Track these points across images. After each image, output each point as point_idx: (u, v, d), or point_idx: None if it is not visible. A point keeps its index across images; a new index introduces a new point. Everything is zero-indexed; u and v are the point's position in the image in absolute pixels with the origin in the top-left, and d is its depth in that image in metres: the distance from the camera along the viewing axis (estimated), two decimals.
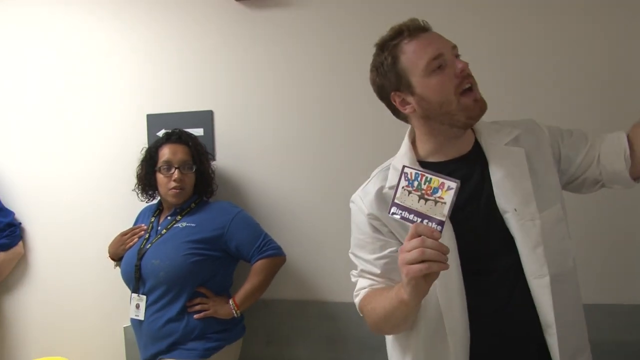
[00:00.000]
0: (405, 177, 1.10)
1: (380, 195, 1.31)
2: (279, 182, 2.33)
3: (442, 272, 1.04)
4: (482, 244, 1.23)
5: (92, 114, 2.56)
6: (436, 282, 1.09)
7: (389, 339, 1.40)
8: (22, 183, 2.68)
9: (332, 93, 2.26)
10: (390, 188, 1.29)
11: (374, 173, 1.40)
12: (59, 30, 2.59)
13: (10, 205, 2.68)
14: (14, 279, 2.70)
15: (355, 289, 1.36)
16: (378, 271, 1.29)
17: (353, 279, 1.38)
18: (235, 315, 2.05)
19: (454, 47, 1.26)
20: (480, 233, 1.24)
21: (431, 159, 1.31)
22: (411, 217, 1.08)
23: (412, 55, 1.24)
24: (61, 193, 2.62)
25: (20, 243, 2.67)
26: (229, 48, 2.36)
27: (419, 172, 1.08)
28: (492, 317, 1.21)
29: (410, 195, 1.08)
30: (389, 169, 1.35)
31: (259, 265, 2.06)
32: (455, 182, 1.04)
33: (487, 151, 1.29)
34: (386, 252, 1.27)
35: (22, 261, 2.69)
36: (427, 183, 1.07)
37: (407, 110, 1.29)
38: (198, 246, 2.01)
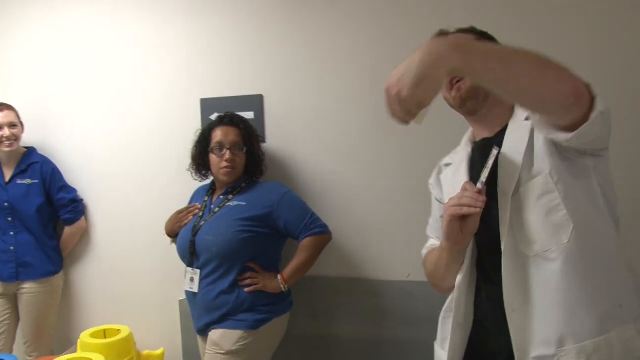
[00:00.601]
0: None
1: (439, 167, 1.57)
2: (326, 163, 2.41)
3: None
4: (484, 220, 1.28)
5: (150, 98, 2.70)
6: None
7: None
8: (85, 163, 2.86)
9: (377, 79, 2.30)
10: (445, 164, 1.54)
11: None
12: (123, 22, 2.73)
13: (73, 183, 2.87)
14: (78, 251, 2.91)
15: (424, 247, 1.60)
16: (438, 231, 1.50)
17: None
18: (283, 289, 2.15)
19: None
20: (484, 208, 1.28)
21: (476, 139, 1.45)
22: None
23: None
24: (120, 172, 2.79)
25: (83, 218, 2.86)
26: (277, 35, 2.45)
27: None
28: (485, 290, 1.36)
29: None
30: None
31: (306, 242, 2.16)
32: (495, 149, 1.26)
33: (508, 130, 1.33)
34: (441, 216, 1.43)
35: (85, 235, 2.89)
36: None
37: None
38: (248, 223, 2.12)
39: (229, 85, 2.54)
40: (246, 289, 2.11)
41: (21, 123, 2.78)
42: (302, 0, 2.39)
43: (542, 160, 1.23)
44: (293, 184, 2.44)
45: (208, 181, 2.40)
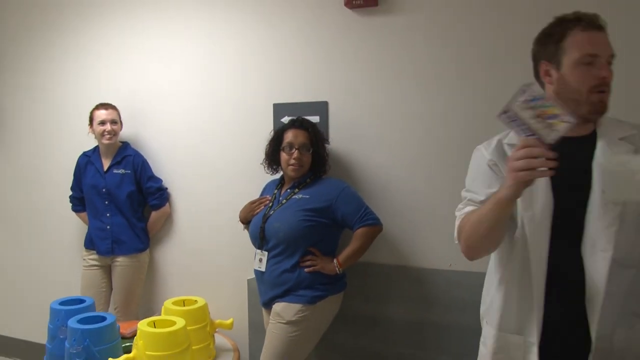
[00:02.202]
0: (525, 92, 1.21)
1: (499, 146, 1.58)
2: (381, 163, 2.68)
3: (531, 222, 1.45)
4: (566, 210, 1.44)
5: (228, 101, 3.05)
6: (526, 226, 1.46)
7: (489, 272, 1.70)
8: (170, 157, 3.26)
9: (428, 87, 2.56)
10: (509, 144, 1.55)
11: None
12: (207, 33, 3.10)
13: (159, 173, 3.28)
14: (162, 233, 3.31)
15: (459, 211, 1.62)
16: (483, 197, 1.53)
17: (458, 213, 1.63)
18: (337, 272, 2.44)
19: (612, 55, 1.46)
20: (568, 200, 1.43)
21: None
22: (520, 127, 1.24)
23: (575, 42, 1.44)
24: (201, 166, 3.17)
25: (167, 204, 3.26)
26: (341, 48, 2.73)
27: (543, 95, 1.22)
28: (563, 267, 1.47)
29: (527, 111, 1.21)
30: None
31: (359, 232, 2.44)
32: (573, 118, 1.19)
33: (600, 139, 1.45)
34: (494, 189, 1.48)
35: (168, 219, 3.29)
36: (547, 107, 1.20)
37: (546, 80, 1.53)
38: (310, 214, 2.43)
39: (298, 92, 2.85)
40: (306, 269, 2.41)
41: (121, 121, 3.20)
42: (362, 19, 2.67)
43: None
44: (352, 180, 2.72)
45: (277, 176, 2.71)
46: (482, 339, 1.73)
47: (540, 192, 1.46)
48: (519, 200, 1.43)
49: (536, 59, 1.57)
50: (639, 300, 1.44)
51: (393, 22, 2.61)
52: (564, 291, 1.48)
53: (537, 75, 1.58)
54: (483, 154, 1.61)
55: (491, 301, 1.65)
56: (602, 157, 1.42)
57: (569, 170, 1.38)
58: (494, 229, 1.44)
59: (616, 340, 1.43)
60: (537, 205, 1.47)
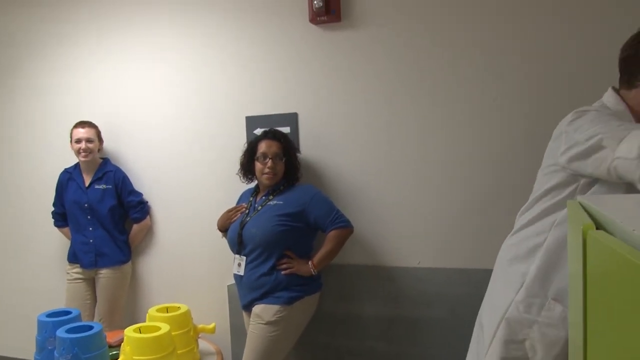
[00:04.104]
0: None
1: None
2: (350, 169, 2.84)
3: None
4: None
5: (203, 115, 3.18)
6: None
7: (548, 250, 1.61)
8: (149, 171, 3.38)
9: (389, 97, 2.73)
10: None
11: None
12: (180, 49, 3.23)
13: (139, 187, 3.39)
14: (144, 244, 3.43)
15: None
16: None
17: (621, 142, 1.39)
18: (313, 273, 2.58)
19: None
20: None
21: None
22: None
23: None
24: (178, 178, 3.29)
25: (148, 217, 3.37)
26: (308, 62, 2.89)
27: None
28: None
29: None
30: None
31: (331, 234, 2.59)
32: None
33: None
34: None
35: (149, 231, 3.40)
36: None
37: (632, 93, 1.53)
38: (284, 219, 2.57)
39: (269, 104, 3.00)
40: (283, 272, 2.55)
41: (99, 138, 3.31)
42: (325, 34, 2.83)
43: None
44: (323, 186, 2.88)
45: (252, 185, 2.86)
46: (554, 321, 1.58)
47: None
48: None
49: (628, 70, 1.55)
50: None
51: (356, 36, 2.78)
52: None
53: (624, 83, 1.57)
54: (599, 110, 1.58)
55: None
56: None
57: None
58: None
59: None
60: None
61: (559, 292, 1.57)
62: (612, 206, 0.75)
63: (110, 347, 2.66)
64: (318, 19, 2.77)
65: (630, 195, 1.08)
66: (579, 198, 0.91)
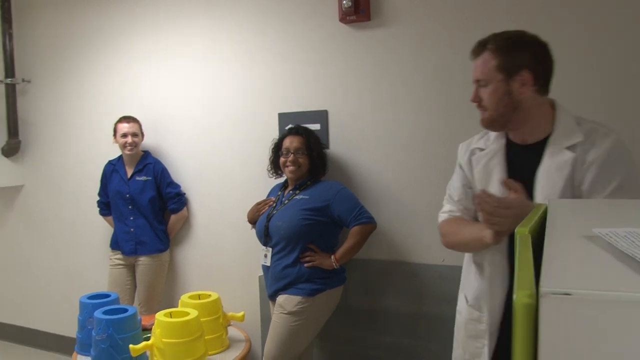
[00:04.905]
0: None
1: (470, 148, 1.80)
2: (377, 165, 2.89)
3: None
4: None
5: (239, 111, 3.31)
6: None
7: (466, 261, 1.88)
8: (187, 164, 3.53)
9: (417, 94, 2.76)
10: (479, 149, 1.76)
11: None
12: (219, 50, 3.36)
13: (177, 179, 3.55)
14: (181, 234, 3.59)
15: (441, 211, 1.87)
16: (456, 198, 1.79)
17: (440, 212, 1.89)
18: (335, 267, 2.65)
19: (477, 80, 1.67)
20: None
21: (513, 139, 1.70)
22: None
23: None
24: (214, 172, 3.43)
25: (185, 208, 3.52)
26: (338, 60, 2.95)
27: None
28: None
29: None
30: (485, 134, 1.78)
31: (354, 230, 2.65)
32: None
33: (548, 147, 1.56)
34: (463, 189, 1.78)
35: (186, 222, 3.56)
36: None
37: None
38: (309, 213, 2.66)
39: (300, 102, 3.09)
40: (305, 265, 2.64)
41: (142, 132, 3.48)
42: (356, 33, 2.89)
43: (575, 194, 1.48)
44: (351, 181, 2.94)
45: (282, 179, 2.96)
46: (457, 309, 1.92)
47: (495, 192, 1.61)
48: None
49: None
50: None
51: (385, 35, 2.82)
52: None
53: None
54: (459, 153, 1.82)
55: (468, 278, 1.84)
56: (544, 166, 1.56)
57: (519, 176, 1.56)
58: (472, 250, 1.75)
59: None
60: None
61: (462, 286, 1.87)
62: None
63: (145, 329, 2.82)
64: (347, 18, 2.83)
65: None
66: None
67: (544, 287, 0.48)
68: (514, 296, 0.49)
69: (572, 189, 1.51)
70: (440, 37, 2.68)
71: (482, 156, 1.74)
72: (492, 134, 1.74)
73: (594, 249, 0.59)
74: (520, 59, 1.58)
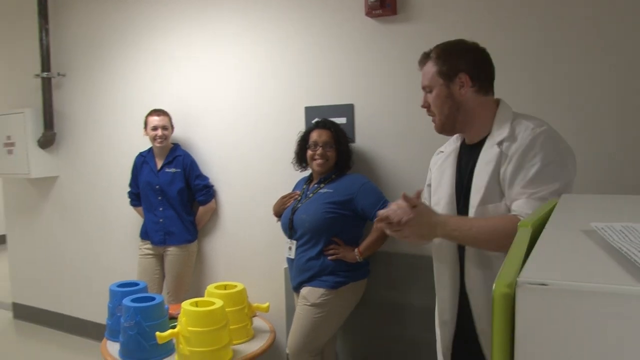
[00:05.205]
0: None
1: (437, 150, 1.96)
2: (401, 158, 2.89)
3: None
4: (459, 209, 1.74)
5: (266, 105, 3.34)
6: None
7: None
8: (215, 157, 3.59)
9: None
10: (440, 152, 1.92)
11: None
12: (246, 44, 3.40)
13: (206, 171, 3.61)
14: (209, 225, 3.65)
15: None
16: (424, 197, 1.95)
17: None
18: (358, 260, 2.67)
19: (423, 87, 1.81)
20: (460, 200, 1.74)
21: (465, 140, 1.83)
22: None
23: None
24: (241, 165, 3.48)
25: (213, 200, 3.58)
26: (364, 54, 2.96)
27: None
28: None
29: None
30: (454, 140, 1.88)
31: None
32: None
33: (484, 145, 1.69)
34: (428, 185, 1.96)
35: (214, 214, 3.62)
36: None
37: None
38: (333, 206, 2.67)
39: (326, 95, 3.10)
40: (329, 257, 2.67)
41: (172, 125, 3.55)
42: (382, 28, 2.88)
43: (498, 188, 1.61)
44: (376, 175, 2.94)
45: (307, 173, 2.99)
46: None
47: (444, 190, 1.79)
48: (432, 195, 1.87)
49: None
50: None
51: (411, 29, 2.81)
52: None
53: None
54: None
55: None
56: (478, 164, 1.68)
57: (464, 175, 1.72)
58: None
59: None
60: (442, 202, 1.80)
61: None
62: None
63: (172, 318, 2.88)
64: (373, 12, 2.83)
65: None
66: None
67: (521, 278, 0.49)
68: (493, 286, 0.51)
69: (499, 183, 1.61)
70: (467, 32, 2.64)
71: (439, 158, 1.90)
72: (453, 138, 1.87)
73: (587, 242, 0.59)
74: (457, 63, 1.71)
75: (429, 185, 1.94)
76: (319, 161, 2.76)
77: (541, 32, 2.48)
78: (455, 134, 1.84)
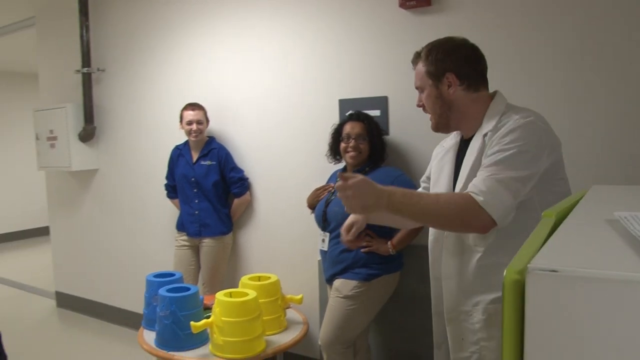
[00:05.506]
0: None
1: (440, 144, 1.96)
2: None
3: None
4: None
5: (300, 98, 3.36)
6: None
7: None
8: (250, 149, 3.62)
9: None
10: (441, 146, 1.93)
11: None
12: (279, 38, 3.42)
13: (241, 164, 3.65)
14: (244, 218, 3.69)
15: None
16: (421, 187, 2.02)
17: None
18: (391, 252, 2.66)
19: (417, 88, 1.81)
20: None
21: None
22: None
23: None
24: (276, 157, 3.50)
25: (248, 193, 3.62)
26: (398, 46, 2.93)
27: None
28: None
29: None
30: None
31: None
32: None
33: (473, 138, 1.71)
34: (427, 176, 1.97)
35: (249, 206, 3.66)
36: None
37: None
38: None
39: (360, 88, 3.10)
40: (362, 250, 2.66)
41: (207, 119, 3.60)
42: (415, 18, 2.86)
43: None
44: (410, 168, 2.93)
45: (341, 165, 2.99)
46: None
47: (442, 184, 1.80)
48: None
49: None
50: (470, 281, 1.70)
51: (446, 20, 2.78)
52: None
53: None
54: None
55: None
56: (467, 155, 1.70)
57: (460, 169, 1.72)
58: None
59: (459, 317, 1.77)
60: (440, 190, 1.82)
61: None
62: None
63: (207, 308, 2.93)
64: (407, 3, 2.81)
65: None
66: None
67: (532, 264, 0.48)
68: (504, 272, 0.50)
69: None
70: (504, 24, 2.62)
71: (439, 152, 1.91)
72: (454, 132, 1.86)
73: (608, 231, 0.58)
74: (443, 63, 1.71)
75: (429, 178, 1.96)
76: (351, 153, 2.76)
77: (577, 27, 2.42)
78: (451, 131, 1.85)
